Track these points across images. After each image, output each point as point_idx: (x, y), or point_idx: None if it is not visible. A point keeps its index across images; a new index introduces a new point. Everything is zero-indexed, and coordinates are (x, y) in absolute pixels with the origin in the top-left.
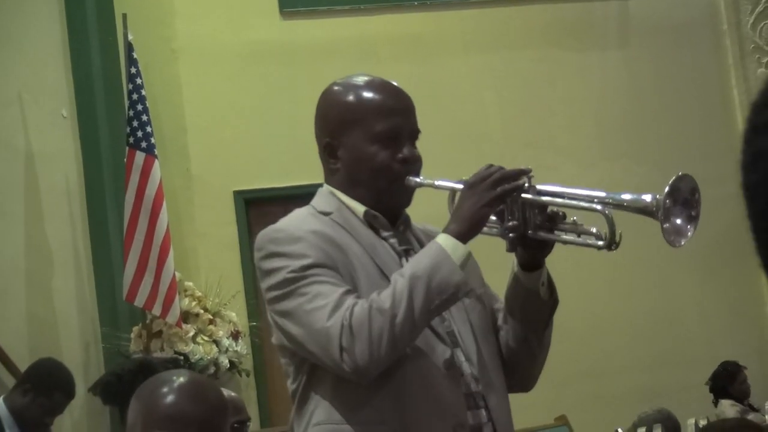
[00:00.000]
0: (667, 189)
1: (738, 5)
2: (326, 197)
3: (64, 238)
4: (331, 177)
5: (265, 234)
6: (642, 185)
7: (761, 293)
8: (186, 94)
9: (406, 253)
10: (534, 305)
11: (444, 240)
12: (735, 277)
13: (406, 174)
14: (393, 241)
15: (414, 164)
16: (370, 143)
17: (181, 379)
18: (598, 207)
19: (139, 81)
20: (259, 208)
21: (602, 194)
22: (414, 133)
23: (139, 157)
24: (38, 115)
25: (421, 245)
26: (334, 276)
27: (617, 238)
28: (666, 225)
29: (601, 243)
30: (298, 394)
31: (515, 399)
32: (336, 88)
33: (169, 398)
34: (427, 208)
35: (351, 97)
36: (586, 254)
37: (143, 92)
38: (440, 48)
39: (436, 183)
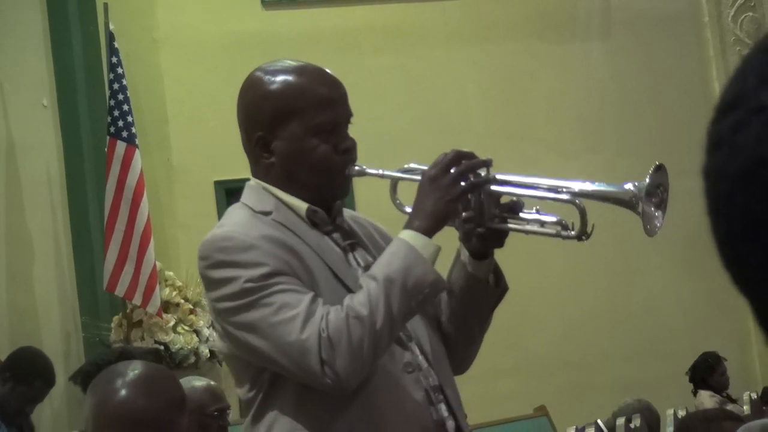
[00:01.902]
0: (647, 181)
1: None
2: (260, 194)
3: (44, 228)
4: (263, 172)
5: (210, 242)
6: (624, 177)
7: None
8: (167, 84)
9: (352, 248)
10: (482, 293)
11: (412, 238)
12: (715, 268)
13: (347, 164)
14: (336, 236)
15: (353, 153)
16: (309, 136)
17: (134, 373)
18: (565, 196)
19: (120, 71)
20: (239, 198)
21: (574, 183)
22: (349, 118)
23: (120, 146)
24: (19, 105)
25: (361, 236)
26: (296, 283)
27: (589, 229)
28: (646, 215)
29: (572, 233)
30: (255, 405)
31: (495, 390)
32: (266, 76)
33: (121, 394)
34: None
35: (285, 87)
36: (567, 247)
37: (124, 82)
38: (422, 39)
39: (381, 172)
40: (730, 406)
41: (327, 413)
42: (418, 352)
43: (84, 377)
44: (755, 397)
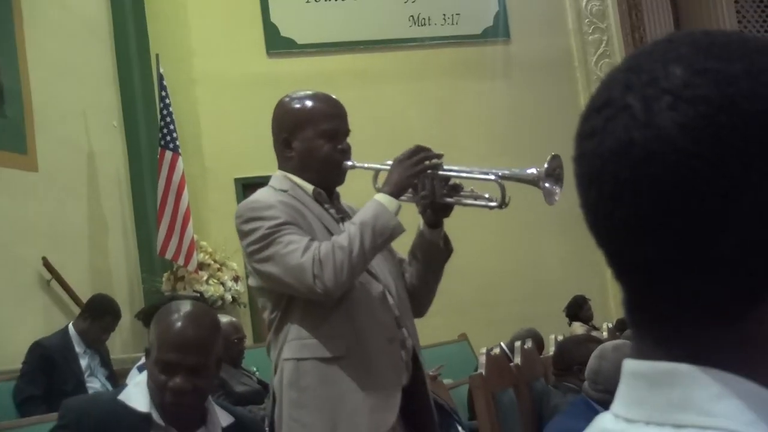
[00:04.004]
0: (546, 165)
1: (585, 49)
2: (281, 179)
3: (115, 212)
4: (285, 163)
5: (243, 205)
6: None
7: None
8: (201, 110)
9: (342, 219)
10: (435, 253)
11: (381, 197)
12: (584, 234)
13: (343, 161)
14: (332, 211)
15: (348, 153)
16: (318, 138)
17: (186, 310)
18: (492, 177)
19: (167, 101)
20: (252, 190)
21: (497, 170)
22: (347, 131)
23: (168, 154)
24: (97, 125)
25: (351, 215)
26: (300, 231)
27: (507, 200)
28: (546, 189)
29: (493, 204)
30: (275, 322)
31: (430, 323)
32: (291, 98)
33: (178, 325)
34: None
35: (303, 105)
36: (480, 221)
37: (171, 109)
38: (379, 78)
39: (366, 165)
40: (594, 333)
41: (319, 320)
42: (387, 292)
43: (145, 315)
44: (611, 326)
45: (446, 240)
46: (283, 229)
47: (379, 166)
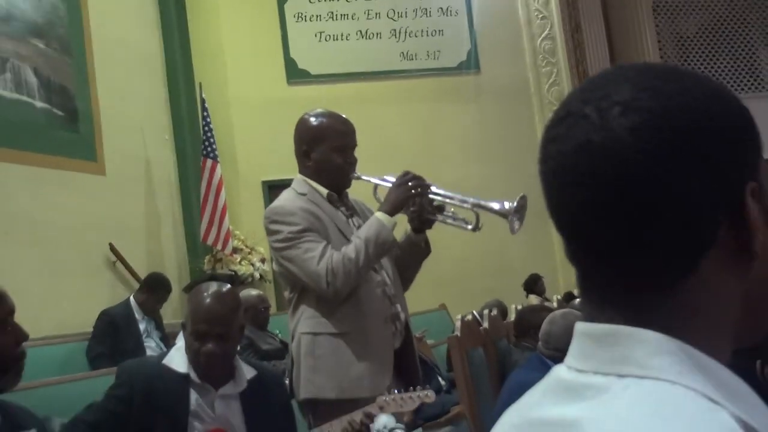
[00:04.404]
0: (515, 204)
1: (539, 79)
2: (302, 183)
3: (167, 208)
4: (304, 170)
5: (270, 209)
6: (487, 179)
7: (554, 236)
8: (235, 125)
9: (351, 216)
10: (417, 252)
11: (381, 216)
12: (540, 226)
13: (351, 172)
14: (342, 209)
15: (355, 165)
16: (332, 152)
17: (212, 290)
18: (468, 206)
19: (208, 119)
20: (276, 190)
21: (473, 199)
22: (355, 145)
23: (209, 162)
24: (152, 139)
25: (357, 210)
26: (316, 236)
27: (480, 225)
28: (512, 222)
29: (469, 227)
30: (293, 301)
31: (417, 295)
32: (310, 116)
33: (205, 302)
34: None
35: (321, 122)
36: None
37: (211, 125)
38: (377, 101)
39: (370, 179)
40: (546, 303)
41: (332, 306)
42: (386, 276)
43: (190, 289)
44: (559, 298)
45: (426, 242)
46: (302, 236)
47: (379, 181)
